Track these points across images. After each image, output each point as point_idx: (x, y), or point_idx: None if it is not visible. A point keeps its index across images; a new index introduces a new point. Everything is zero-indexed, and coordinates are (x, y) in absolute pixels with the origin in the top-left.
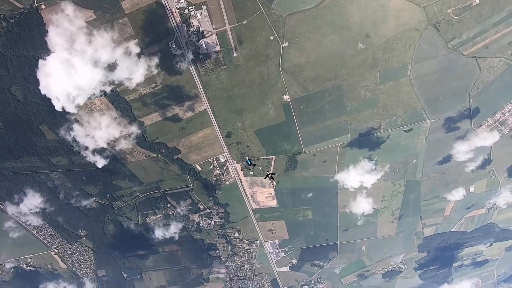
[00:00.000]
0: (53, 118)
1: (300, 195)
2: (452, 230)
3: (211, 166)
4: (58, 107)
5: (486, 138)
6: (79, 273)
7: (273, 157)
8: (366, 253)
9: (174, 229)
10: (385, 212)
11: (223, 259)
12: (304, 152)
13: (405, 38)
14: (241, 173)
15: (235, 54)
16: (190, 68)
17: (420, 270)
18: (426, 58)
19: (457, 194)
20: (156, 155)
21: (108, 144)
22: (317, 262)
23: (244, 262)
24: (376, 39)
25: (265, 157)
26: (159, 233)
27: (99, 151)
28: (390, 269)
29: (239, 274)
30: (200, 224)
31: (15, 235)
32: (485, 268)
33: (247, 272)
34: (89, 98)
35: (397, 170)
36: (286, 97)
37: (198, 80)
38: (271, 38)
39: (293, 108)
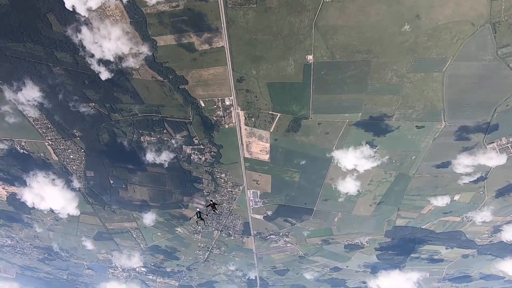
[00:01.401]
0: (63, 11)
1: (293, 158)
2: (422, 227)
3: (215, 106)
4: (68, 5)
5: (492, 158)
6: (69, 168)
7: (278, 114)
8: (337, 224)
9: (165, 157)
10: (367, 195)
11: (205, 193)
12: (310, 118)
13: (456, 30)
14: (242, 120)
15: None
16: None
17: (380, 252)
18: (468, 59)
19: (441, 201)
20: (162, 79)
21: (115, 58)
22: (290, 219)
23: (224, 200)
24: (425, 22)
25: (270, 112)
26: (150, 157)
27: (105, 63)
28: (353, 243)
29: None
30: (191, 157)
31: (11, 120)
32: (437, 266)
33: (224, 210)
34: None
35: (393, 161)
36: (310, 57)
37: (223, 12)
38: None
39: (314, 71)
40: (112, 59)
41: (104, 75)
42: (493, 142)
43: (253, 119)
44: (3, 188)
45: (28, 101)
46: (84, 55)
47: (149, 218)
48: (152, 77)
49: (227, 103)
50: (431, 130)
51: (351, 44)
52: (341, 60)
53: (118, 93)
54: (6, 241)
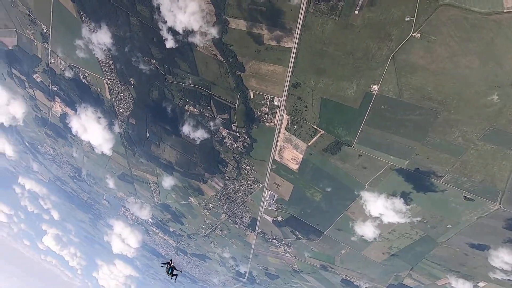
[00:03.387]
0: None
1: (322, 178)
2: None
3: (262, 102)
4: None
5: None
6: (116, 109)
7: (322, 131)
8: (342, 257)
9: (199, 135)
10: (384, 243)
11: (226, 177)
12: (353, 147)
13: None
14: (284, 124)
15: (356, 12)
16: None
17: None
18: None
19: (461, 285)
20: (222, 59)
21: (184, 31)
22: (297, 232)
23: (241, 190)
24: None
25: (314, 126)
26: (186, 129)
27: (173, 32)
28: (351, 281)
29: (231, 196)
30: (224, 140)
31: (80, 55)
32: None
33: (238, 199)
34: None
35: (425, 221)
36: (375, 87)
37: (302, 15)
38: (407, 19)
39: (374, 102)
40: (180, 31)
41: (169, 43)
42: None
43: (295, 126)
44: (60, 106)
45: (99, 43)
46: (158, 19)
47: (168, 182)
48: (214, 54)
49: (275, 103)
50: (480, 207)
51: (425, 89)
52: (407, 101)
53: (178, 59)
54: (49, 149)
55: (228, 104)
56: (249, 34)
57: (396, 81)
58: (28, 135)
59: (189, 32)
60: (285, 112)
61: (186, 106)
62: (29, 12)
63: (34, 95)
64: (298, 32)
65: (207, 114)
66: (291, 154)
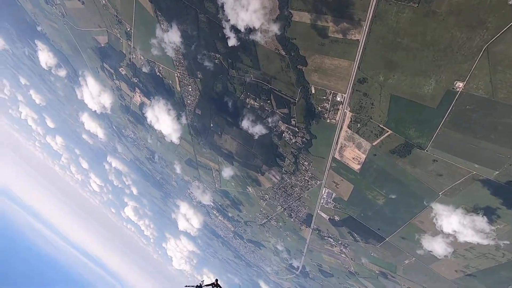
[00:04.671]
0: None
1: (386, 181)
2: None
3: (324, 97)
4: None
5: None
6: (185, 100)
7: (389, 131)
8: (405, 267)
9: (257, 130)
10: (458, 260)
11: (283, 171)
12: (426, 151)
13: None
14: (347, 121)
15: None
16: None
17: None
18: None
19: None
20: (284, 53)
21: (245, 29)
22: (355, 234)
23: (298, 185)
24: None
25: (381, 125)
26: (245, 124)
27: (235, 30)
28: None
29: (287, 190)
30: (283, 134)
31: (155, 52)
32: None
33: (294, 194)
34: None
35: None
36: (459, 84)
37: (373, 4)
38: (510, 2)
39: (456, 102)
40: (242, 30)
41: (232, 41)
42: None
43: (358, 124)
44: (139, 96)
45: (170, 42)
46: (222, 18)
47: (227, 172)
48: (275, 48)
49: (338, 99)
50: None
51: None
52: (503, 102)
53: (241, 53)
54: (130, 133)
55: (288, 98)
56: (313, 27)
57: (489, 77)
58: (115, 120)
59: (250, 30)
60: (349, 109)
61: (247, 99)
62: (116, 13)
63: (120, 86)
64: (368, 23)
65: (267, 108)
66: (353, 153)
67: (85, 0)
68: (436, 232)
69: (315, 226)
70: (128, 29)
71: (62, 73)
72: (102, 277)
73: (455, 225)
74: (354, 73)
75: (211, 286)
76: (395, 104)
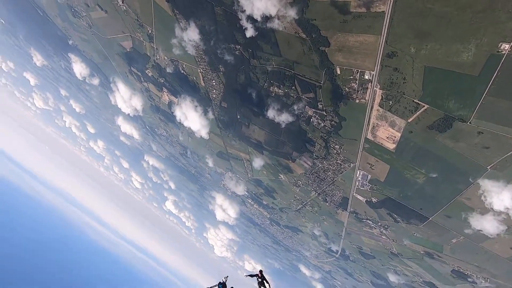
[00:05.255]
0: None
1: (426, 158)
2: None
3: (351, 77)
4: None
5: None
6: (210, 95)
7: (425, 106)
8: (453, 246)
9: (284, 118)
10: None
11: (314, 156)
12: (470, 123)
13: None
14: (377, 100)
15: None
16: None
17: None
18: None
19: None
20: (305, 36)
21: (262, 18)
22: (395, 215)
23: (330, 169)
24: None
25: (416, 100)
26: (270, 114)
27: (252, 20)
28: (465, 273)
29: (320, 175)
30: (311, 119)
31: (176, 52)
32: None
33: (328, 178)
34: None
35: None
36: (505, 46)
37: None
38: None
39: (502, 66)
40: (259, 19)
41: (249, 32)
42: None
43: (390, 102)
44: (167, 95)
45: (190, 40)
46: (237, 9)
47: (258, 162)
48: (295, 32)
49: (366, 77)
50: None
51: None
52: None
53: (261, 41)
54: (163, 132)
55: (313, 82)
56: (333, 4)
57: None
58: (147, 121)
59: (267, 18)
60: (378, 86)
61: (271, 87)
62: (137, 17)
63: (148, 88)
64: None
65: (291, 94)
66: (387, 133)
67: (107, 9)
68: (486, 209)
69: (351, 209)
70: (150, 32)
71: (95, 81)
72: (154, 268)
73: (507, 202)
74: (382, 48)
75: (256, 278)
76: (430, 76)
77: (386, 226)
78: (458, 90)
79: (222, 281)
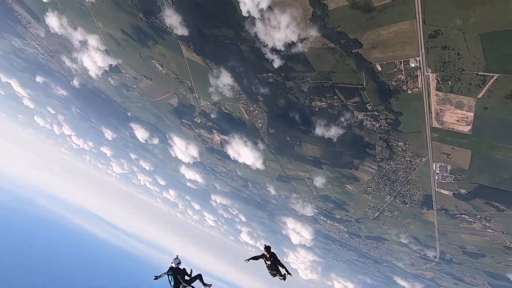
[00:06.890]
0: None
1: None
2: None
3: (395, 69)
4: (243, 11)
5: None
6: (256, 125)
7: (494, 75)
8: None
9: (333, 132)
10: None
11: (378, 158)
12: None
13: None
14: (433, 84)
15: None
16: None
17: None
18: None
19: None
20: (333, 45)
21: (284, 46)
22: (495, 203)
23: (400, 168)
24: None
25: (480, 73)
26: (319, 131)
27: (276, 52)
28: None
29: (390, 176)
30: (363, 123)
31: (215, 98)
32: None
33: (400, 178)
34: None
35: None
36: None
37: None
38: None
39: None
40: (282, 49)
41: (276, 63)
42: None
43: (449, 82)
44: (217, 136)
45: (224, 85)
46: (259, 46)
47: (319, 178)
48: (322, 44)
49: (412, 65)
50: None
51: None
52: None
53: (291, 63)
54: (222, 169)
55: (354, 86)
56: (353, 6)
57: None
58: (206, 162)
59: (290, 46)
60: (429, 70)
61: (313, 102)
62: (176, 76)
63: (200, 133)
64: None
65: (335, 104)
66: (455, 116)
67: (152, 77)
68: None
69: (438, 206)
70: (190, 85)
71: (156, 140)
72: None
73: None
74: (421, 31)
75: (264, 260)
76: (490, 43)
77: (488, 218)
78: None
79: (172, 265)
